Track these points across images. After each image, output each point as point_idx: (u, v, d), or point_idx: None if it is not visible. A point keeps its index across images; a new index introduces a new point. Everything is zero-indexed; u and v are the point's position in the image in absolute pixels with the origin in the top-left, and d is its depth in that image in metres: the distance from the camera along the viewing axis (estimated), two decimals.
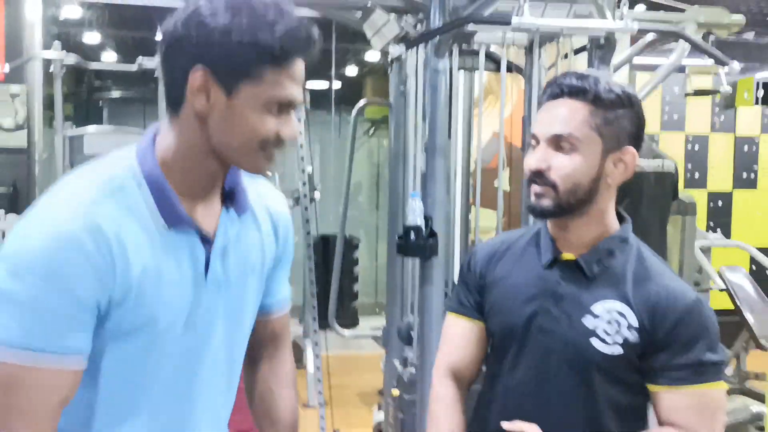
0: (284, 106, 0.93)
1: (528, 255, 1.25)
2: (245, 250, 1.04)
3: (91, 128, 4.81)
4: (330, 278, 3.53)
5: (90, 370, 0.92)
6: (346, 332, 3.41)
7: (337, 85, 6.78)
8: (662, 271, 1.18)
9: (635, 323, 1.13)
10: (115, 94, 8.63)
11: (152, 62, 4.59)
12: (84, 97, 8.07)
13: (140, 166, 0.94)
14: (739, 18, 2.64)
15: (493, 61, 2.78)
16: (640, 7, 3.81)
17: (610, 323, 1.14)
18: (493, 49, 2.73)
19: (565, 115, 1.13)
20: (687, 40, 2.08)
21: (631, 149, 1.15)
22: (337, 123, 7.03)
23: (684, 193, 4.16)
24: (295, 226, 1.28)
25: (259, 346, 1.18)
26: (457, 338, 1.31)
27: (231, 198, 1.02)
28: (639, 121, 1.17)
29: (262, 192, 1.10)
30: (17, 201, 4.80)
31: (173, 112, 0.95)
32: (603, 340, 1.13)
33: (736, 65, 2.17)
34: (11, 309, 0.84)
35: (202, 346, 1.00)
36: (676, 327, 1.12)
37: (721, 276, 4.48)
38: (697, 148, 5.67)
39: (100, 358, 0.93)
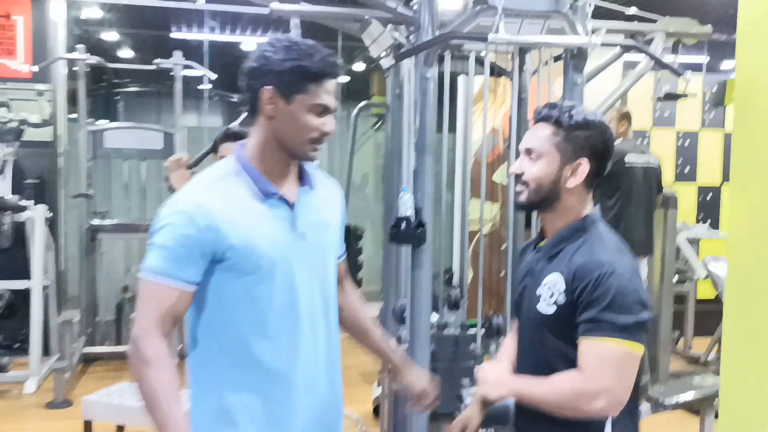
0: (324, 111, 1.42)
1: (535, 242, 1.66)
2: (319, 212, 1.53)
3: (112, 124, 5.12)
4: None
5: (229, 300, 1.42)
6: None
7: (345, 79, 7.01)
8: (593, 248, 1.47)
9: (563, 288, 1.45)
10: (131, 89, 8.94)
11: (168, 62, 4.87)
12: (101, 91, 8.38)
13: (237, 162, 1.46)
14: (706, 28, 2.88)
15: (483, 66, 3.04)
16: (632, 11, 4.04)
17: (548, 290, 1.48)
18: (483, 54, 2.98)
19: (535, 135, 1.53)
20: (645, 53, 2.33)
21: (584, 161, 1.49)
22: (345, 117, 7.28)
23: (667, 188, 4.41)
24: None
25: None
26: None
27: (304, 180, 1.52)
28: (599, 139, 1.52)
29: (323, 180, 1.61)
30: (44, 191, 5.10)
31: (253, 121, 1.45)
32: (544, 303, 1.49)
33: (689, 74, 2.41)
34: (153, 251, 1.39)
35: (299, 280, 1.46)
36: (585, 289, 1.41)
37: (705, 266, 4.72)
38: (687, 144, 5.89)
39: (234, 291, 1.41)
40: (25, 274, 4.59)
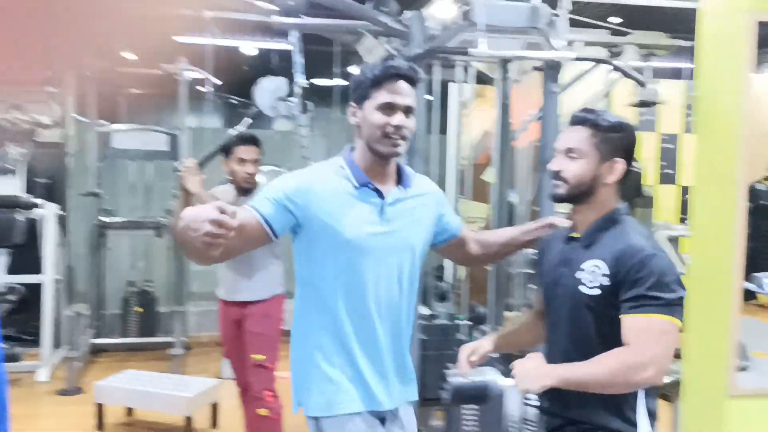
0: (388, 108, 1.70)
1: (563, 236, 1.79)
2: (407, 207, 1.80)
3: (119, 126, 5.32)
4: None
5: (323, 268, 1.74)
6: None
7: (343, 83, 7.21)
8: (631, 235, 1.62)
9: (606, 272, 1.60)
10: (131, 91, 9.13)
11: (174, 67, 5.06)
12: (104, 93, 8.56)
13: (344, 159, 1.79)
14: (674, 41, 3.12)
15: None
16: (614, 21, 4.26)
17: (590, 273, 1.62)
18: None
19: (574, 136, 1.69)
20: (613, 66, 2.56)
21: (620, 160, 1.67)
22: (341, 118, 7.47)
23: (645, 189, 4.65)
24: None
25: (464, 244, 2.01)
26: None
27: (401, 181, 1.81)
28: (629, 142, 1.69)
29: (423, 183, 1.90)
30: (54, 190, 5.30)
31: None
32: (586, 285, 1.63)
33: (651, 86, 2.65)
34: (265, 192, 1.75)
35: (379, 255, 1.74)
36: (629, 270, 1.55)
37: (683, 262, 4.95)
38: (670, 146, 6.12)
39: (322, 251, 1.73)
40: (36, 270, 4.80)
